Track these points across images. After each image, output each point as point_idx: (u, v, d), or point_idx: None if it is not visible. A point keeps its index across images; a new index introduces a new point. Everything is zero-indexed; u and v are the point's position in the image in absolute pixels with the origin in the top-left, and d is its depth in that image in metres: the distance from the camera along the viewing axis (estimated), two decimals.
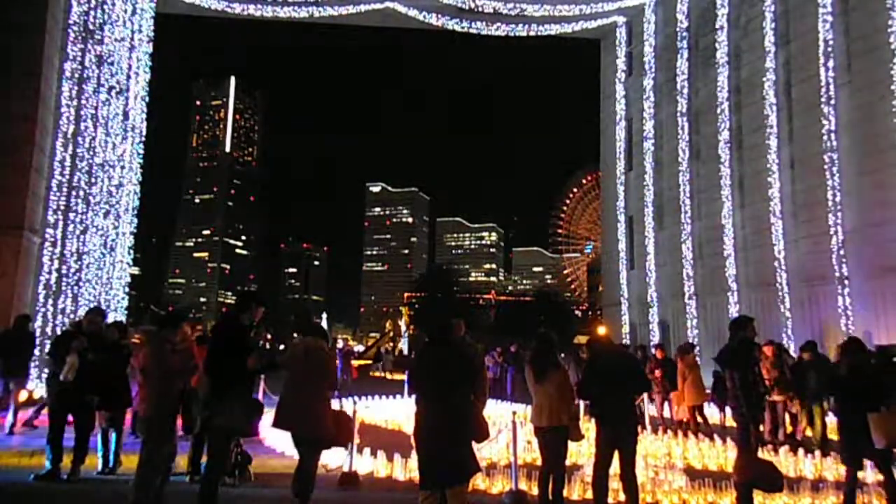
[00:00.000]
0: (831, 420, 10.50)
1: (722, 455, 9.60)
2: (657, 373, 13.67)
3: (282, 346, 18.17)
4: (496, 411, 13.27)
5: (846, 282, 16.96)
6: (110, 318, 19.33)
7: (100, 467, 8.09)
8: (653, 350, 15.52)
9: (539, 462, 9.05)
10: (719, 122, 21.93)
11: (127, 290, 23.60)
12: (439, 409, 5.18)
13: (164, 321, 7.23)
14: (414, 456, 5.92)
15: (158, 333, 6.86)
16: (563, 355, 11.13)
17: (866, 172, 16.82)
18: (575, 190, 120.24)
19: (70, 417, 8.06)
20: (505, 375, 21.88)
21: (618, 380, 6.29)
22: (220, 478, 6.33)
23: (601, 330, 21.10)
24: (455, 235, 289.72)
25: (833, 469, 8.72)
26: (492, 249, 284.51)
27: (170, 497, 6.53)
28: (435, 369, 5.38)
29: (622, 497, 6.32)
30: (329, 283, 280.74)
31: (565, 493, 6.49)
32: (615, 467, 6.23)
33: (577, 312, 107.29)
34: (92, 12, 18.73)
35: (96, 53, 19.04)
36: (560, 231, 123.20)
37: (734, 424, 7.34)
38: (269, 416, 6.44)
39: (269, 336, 14.97)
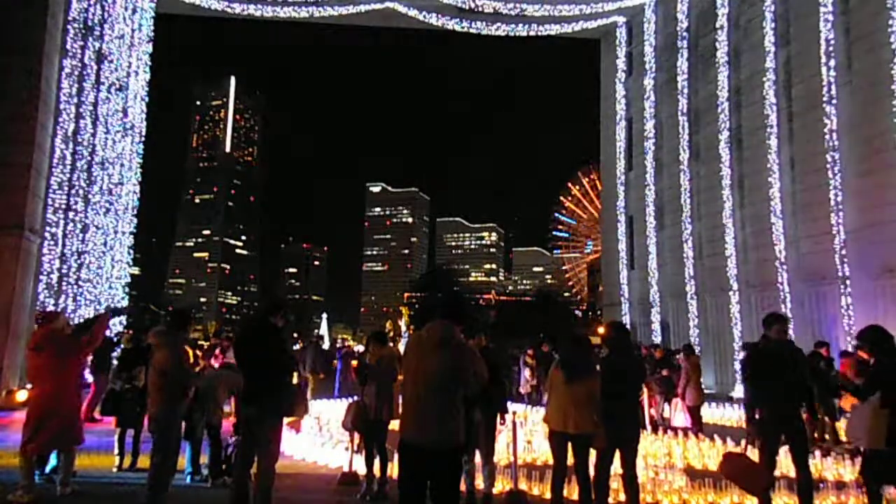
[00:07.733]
0: None
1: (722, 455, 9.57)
2: (664, 372, 13.65)
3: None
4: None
5: (847, 282, 16.95)
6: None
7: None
8: (653, 350, 15.48)
9: (539, 462, 9.05)
10: (719, 122, 21.90)
11: (127, 290, 23.57)
12: None
13: (174, 322, 7.06)
14: None
15: (176, 335, 6.77)
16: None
17: (867, 172, 16.78)
18: (576, 189, 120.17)
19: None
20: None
21: (627, 380, 6.28)
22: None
23: (602, 329, 21.01)
24: (455, 235, 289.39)
25: (833, 469, 8.72)
26: (492, 249, 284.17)
27: (170, 497, 6.49)
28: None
29: (622, 497, 6.30)
30: (329, 283, 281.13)
31: (565, 492, 6.43)
32: (615, 467, 6.21)
33: (577, 312, 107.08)
34: (91, 9, 18.70)
35: (95, 50, 19.00)
36: (560, 231, 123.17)
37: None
38: None
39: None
